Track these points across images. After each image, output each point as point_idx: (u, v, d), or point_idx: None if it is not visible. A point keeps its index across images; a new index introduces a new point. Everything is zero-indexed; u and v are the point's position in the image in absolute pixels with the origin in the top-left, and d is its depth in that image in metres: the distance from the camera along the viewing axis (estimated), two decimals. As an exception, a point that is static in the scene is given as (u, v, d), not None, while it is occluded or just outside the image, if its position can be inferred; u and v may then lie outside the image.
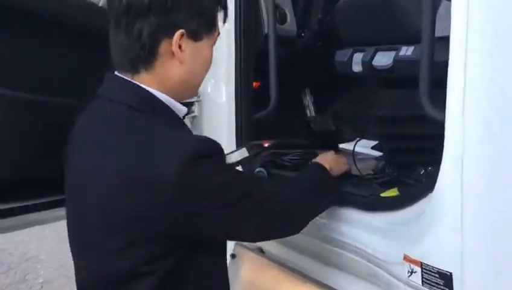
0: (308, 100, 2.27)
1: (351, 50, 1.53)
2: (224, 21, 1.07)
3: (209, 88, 1.85)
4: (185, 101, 1.06)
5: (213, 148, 0.91)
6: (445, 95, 1.03)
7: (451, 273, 0.96)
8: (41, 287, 3.57)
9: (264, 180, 1.30)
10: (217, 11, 1.01)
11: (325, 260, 1.37)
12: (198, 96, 1.88)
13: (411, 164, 1.39)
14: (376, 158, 1.57)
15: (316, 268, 1.39)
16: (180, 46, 0.95)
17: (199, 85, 1.07)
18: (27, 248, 4.12)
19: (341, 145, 1.84)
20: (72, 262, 1.06)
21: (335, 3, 1.67)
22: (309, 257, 1.44)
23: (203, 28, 0.98)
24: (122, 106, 0.95)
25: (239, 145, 1.77)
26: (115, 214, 0.90)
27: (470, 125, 0.90)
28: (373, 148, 1.58)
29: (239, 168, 1.34)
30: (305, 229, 1.22)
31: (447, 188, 0.96)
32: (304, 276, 1.41)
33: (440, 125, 1.11)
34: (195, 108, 1.89)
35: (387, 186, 1.33)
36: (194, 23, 0.96)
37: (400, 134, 1.44)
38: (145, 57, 0.95)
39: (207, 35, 1.00)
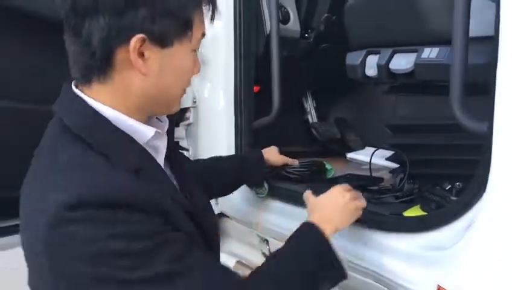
0: (309, 105, 2.15)
1: (364, 52, 1.39)
2: (212, 18, 0.84)
3: (205, 93, 1.72)
4: (172, 113, 0.88)
5: (110, 200, 0.69)
6: (480, 101, 0.91)
7: (497, 310, 0.83)
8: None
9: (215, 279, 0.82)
10: (194, 9, 0.79)
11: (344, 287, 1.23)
12: (194, 102, 1.75)
13: (433, 177, 1.25)
14: (391, 171, 1.43)
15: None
16: (142, 54, 0.76)
17: (175, 100, 0.85)
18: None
19: (349, 155, 1.70)
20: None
21: (343, 2, 1.55)
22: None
23: (172, 31, 0.77)
24: (59, 127, 0.78)
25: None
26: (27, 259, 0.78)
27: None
28: (388, 159, 1.44)
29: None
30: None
31: (495, 204, 0.83)
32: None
33: (472, 136, 1.00)
34: (190, 115, 1.76)
35: (409, 203, 1.20)
36: (159, 26, 0.75)
37: (421, 144, 1.31)
38: (97, 66, 0.76)
39: (179, 40, 0.78)
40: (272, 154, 1.46)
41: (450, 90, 1.01)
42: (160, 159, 0.87)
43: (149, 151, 0.82)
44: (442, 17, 1.18)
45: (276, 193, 1.49)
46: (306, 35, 1.88)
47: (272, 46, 1.55)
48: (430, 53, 1.20)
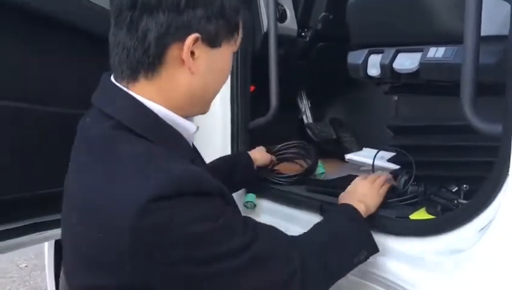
0: (304, 105, 2.11)
1: (366, 51, 1.36)
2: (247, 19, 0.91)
3: (200, 92, 1.68)
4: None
5: (195, 187, 0.72)
6: (491, 101, 0.89)
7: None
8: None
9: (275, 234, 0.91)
10: (241, 12, 0.83)
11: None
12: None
13: (437, 179, 1.23)
14: (391, 172, 1.40)
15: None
16: (192, 53, 0.78)
17: (212, 99, 0.89)
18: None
19: (348, 156, 1.67)
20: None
21: (340, 0, 1.52)
22: None
23: (223, 33, 0.81)
24: (109, 121, 0.78)
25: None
26: (77, 248, 0.79)
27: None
28: (390, 160, 1.41)
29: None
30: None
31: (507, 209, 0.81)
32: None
33: (479, 137, 0.98)
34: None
35: (414, 206, 1.18)
36: (213, 26, 0.78)
37: (426, 146, 1.28)
38: (148, 63, 0.78)
39: (227, 41, 0.82)
40: (259, 154, 1.47)
41: (461, 91, 0.99)
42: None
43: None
44: (448, 15, 1.16)
45: (271, 195, 1.46)
46: (303, 34, 1.84)
47: (269, 45, 1.52)
48: (436, 52, 1.17)
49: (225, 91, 1.60)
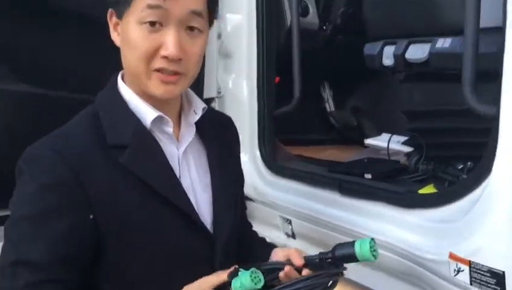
0: (327, 94, 2.24)
1: (381, 43, 1.49)
2: None
3: (230, 83, 1.82)
4: (153, 95, 0.84)
5: (29, 157, 0.80)
6: (493, 88, 1.00)
7: (503, 271, 0.93)
8: None
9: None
10: None
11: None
12: (219, 92, 1.84)
13: (447, 158, 1.35)
14: (406, 154, 1.53)
15: (352, 269, 1.35)
16: (116, 29, 0.85)
17: (138, 76, 0.82)
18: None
19: (367, 141, 1.79)
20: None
21: (358, -4, 1.64)
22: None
23: (120, 1, 0.81)
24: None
25: (262, 142, 1.73)
26: None
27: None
28: (404, 143, 1.53)
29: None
30: (340, 229, 1.16)
31: (501, 180, 0.93)
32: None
33: (483, 119, 1.09)
34: (215, 104, 1.86)
35: (424, 182, 1.30)
36: None
37: (436, 129, 1.40)
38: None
39: (126, 10, 0.80)
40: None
41: (462, 77, 1.10)
42: (174, 148, 0.88)
43: (160, 136, 0.86)
44: (455, 9, 1.26)
45: (292, 174, 1.59)
46: (324, 27, 1.97)
47: (292, 38, 1.64)
48: (443, 43, 1.29)
49: (253, 82, 1.75)
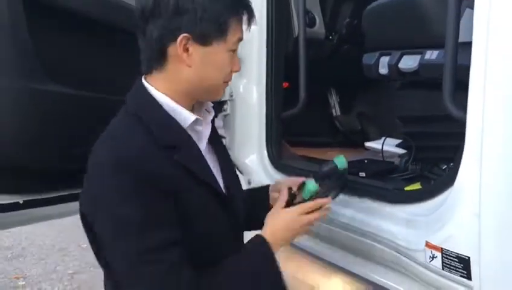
0: (334, 100, 2.38)
1: (377, 53, 1.62)
2: (249, 24, 1.04)
3: (241, 88, 1.95)
4: (217, 100, 1.12)
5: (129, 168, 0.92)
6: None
7: (469, 257, 1.05)
8: (72, 277, 3.75)
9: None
10: (230, 16, 0.98)
11: (350, 249, 1.46)
12: (231, 96, 1.99)
13: (434, 160, 1.47)
14: (400, 155, 1.65)
15: (341, 257, 1.48)
16: (187, 50, 0.97)
17: (215, 89, 1.05)
18: (55, 241, 4.35)
19: (367, 144, 1.92)
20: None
21: (363, 8, 1.77)
22: (335, 247, 1.53)
23: (211, 33, 0.97)
24: (122, 110, 1.03)
25: (269, 143, 1.88)
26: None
27: (489, 124, 0.99)
28: (398, 146, 1.66)
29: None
30: (336, 222, 1.27)
31: (467, 180, 1.06)
32: (329, 264, 1.51)
33: (462, 124, 1.21)
34: (227, 107, 2.00)
35: (412, 181, 1.43)
36: (199, 28, 0.96)
37: (424, 132, 1.53)
38: (156, 59, 0.99)
39: (217, 40, 0.98)
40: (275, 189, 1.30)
41: (443, 86, 1.23)
42: (202, 144, 1.07)
43: (191, 134, 1.03)
44: (441, 25, 1.39)
45: (296, 172, 1.71)
46: (330, 37, 2.10)
47: (299, 47, 1.78)
48: (431, 55, 1.42)
49: (262, 87, 1.88)
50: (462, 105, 1.18)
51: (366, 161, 1.72)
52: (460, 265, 1.07)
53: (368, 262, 1.40)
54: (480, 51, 1.01)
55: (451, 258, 1.09)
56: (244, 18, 1.02)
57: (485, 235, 1.01)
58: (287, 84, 1.99)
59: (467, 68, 1.24)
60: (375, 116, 2.25)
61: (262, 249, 1.05)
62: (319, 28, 2.02)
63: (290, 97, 1.89)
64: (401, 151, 1.68)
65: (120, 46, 1.45)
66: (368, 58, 1.65)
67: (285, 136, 1.95)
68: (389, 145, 1.71)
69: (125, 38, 1.35)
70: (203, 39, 0.97)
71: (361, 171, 1.52)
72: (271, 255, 1.04)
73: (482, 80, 1.00)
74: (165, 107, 1.00)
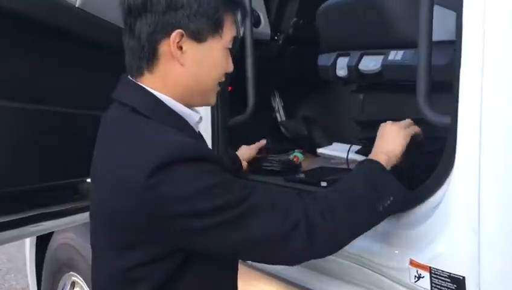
0: (277, 104, 2.25)
1: (334, 54, 1.51)
2: (243, 19, 1.01)
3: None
4: (210, 105, 1.11)
5: (196, 153, 0.87)
6: (445, 98, 1.04)
7: (464, 277, 0.96)
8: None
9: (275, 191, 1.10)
10: (224, 11, 0.94)
11: (321, 269, 1.34)
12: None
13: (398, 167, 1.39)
14: (359, 163, 1.56)
15: (310, 278, 1.35)
16: (181, 48, 0.92)
17: (210, 91, 1.00)
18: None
19: (319, 150, 1.82)
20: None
21: (309, 7, 1.67)
22: (307, 269, 1.39)
23: (205, 29, 0.93)
24: (126, 108, 0.94)
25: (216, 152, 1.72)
26: (106, 216, 0.93)
27: (487, 129, 0.90)
28: (357, 152, 1.57)
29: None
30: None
31: (461, 186, 0.96)
32: (298, 287, 1.36)
33: (437, 128, 1.13)
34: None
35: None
36: (194, 24, 0.91)
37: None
38: (146, 58, 0.93)
39: (213, 37, 0.94)
40: (244, 152, 1.63)
41: (416, 88, 1.14)
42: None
43: None
44: (405, 23, 1.31)
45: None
46: (275, 37, 1.98)
47: (246, 48, 1.65)
48: (395, 55, 1.33)
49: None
50: (440, 108, 1.11)
51: (320, 170, 1.62)
52: (454, 286, 0.98)
53: (342, 283, 1.27)
54: (473, 49, 0.92)
55: (443, 278, 1.00)
56: (239, 15, 0.99)
57: (485, 251, 0.91)
58: (230, 88, 1.84)
59: (441, 69, 1.17)
60: (322, 120, 2.16)
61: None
62: (264, 27, 1.89)
63: (234, 101, 1.76)
64: (360, 157, 1.59)
65: (71, 53, 1.34)
66: (323, 59, 1.54)
67: (232, 144, 1.81)
68: (344, 152, 1.60)
69: (78, 44, 1.29)
70: (198, 35, 0.92)
71: (322, 181, 1.43)
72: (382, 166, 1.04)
73: (477, 81, 0.91)
74: (173, 108, 0.95)
